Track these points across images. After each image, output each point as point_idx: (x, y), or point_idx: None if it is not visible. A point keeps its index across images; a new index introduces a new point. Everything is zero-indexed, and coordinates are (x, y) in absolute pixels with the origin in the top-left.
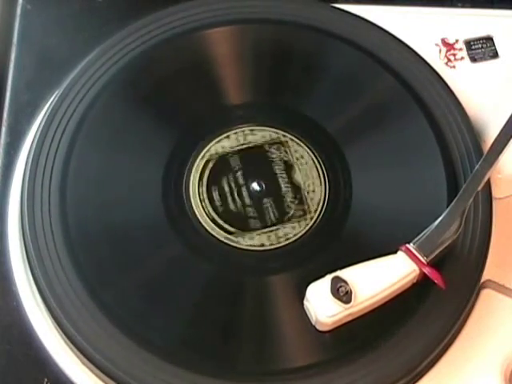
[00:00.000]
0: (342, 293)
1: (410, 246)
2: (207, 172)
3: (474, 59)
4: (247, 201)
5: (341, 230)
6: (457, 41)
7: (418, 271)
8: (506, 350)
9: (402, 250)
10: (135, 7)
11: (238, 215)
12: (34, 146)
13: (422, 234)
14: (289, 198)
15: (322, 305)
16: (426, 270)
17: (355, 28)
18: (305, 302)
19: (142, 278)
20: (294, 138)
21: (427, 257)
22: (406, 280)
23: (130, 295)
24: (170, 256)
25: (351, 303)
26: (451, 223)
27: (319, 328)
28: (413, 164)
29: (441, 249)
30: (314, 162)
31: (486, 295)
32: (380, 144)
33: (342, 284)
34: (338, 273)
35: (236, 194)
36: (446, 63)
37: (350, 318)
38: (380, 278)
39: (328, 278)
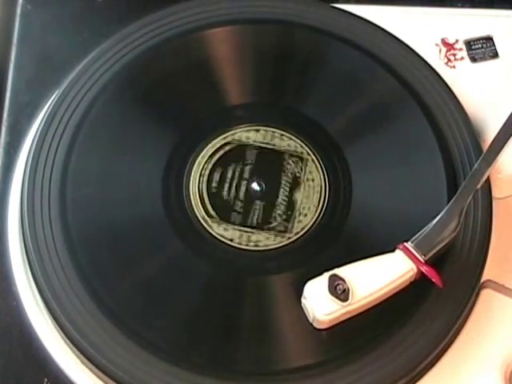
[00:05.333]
0: (339, 291)
1: (408, 245)
2: (221, 152)
3: (474, 59)
4: (241, 195)
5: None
6: (457, 41)
7: (415, 270)
8: (505, 350)
9: (399, 248)
10: (135, 7)
11: (226, 203)
12: (34, 146)
13: (420, 232)
14: (279, 210)
15: (319, 302)
16: (424, 269)
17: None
18: (302, 300)
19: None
20: (315, 158)
21: (425, 255)
22: (403, 278)
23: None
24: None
25: (348, 301)
26: (449, 222)
27: (316, 326)
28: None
29: (439, 247)
30: (321, 189)
31: (486, 295)
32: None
33: (340, 282)
34: (336, 271)
35: (234, 184)
36: (446, 63)
37: (348, 316)
38: (378, 276)
39: (326, 275)
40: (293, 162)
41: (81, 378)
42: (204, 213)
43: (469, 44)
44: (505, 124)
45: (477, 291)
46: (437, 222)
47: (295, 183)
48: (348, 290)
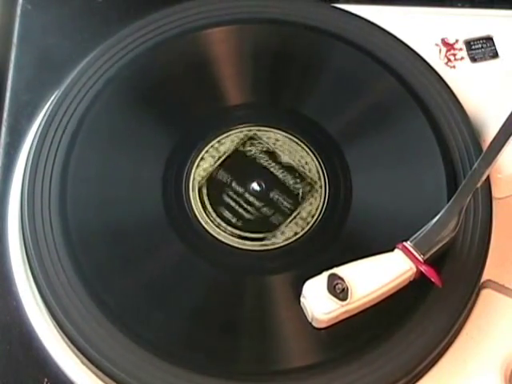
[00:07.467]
0: (338, 290)
1: (407, 244)
2: (206, 199)
3: (474, 59)
4: (257, 204)
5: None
6: (457, 41)
7: (414, 269)
8: (505, 349)
9: (398, 247)
10: (135, 7)
11: (258, 220)
12: (34, 146)
13: (420, 231)
14: (291, 180)
15: (318, 301)
16: (423, 268)
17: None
18: (301, 299)
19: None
20: (260, 128)
21: (424, 255)
22: (402, 278)
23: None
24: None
25: (347, 300)
26: (449, 221)
27: (315, 325)
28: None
29: (438, 247)
30: (291, 139)
31: (486, 295)
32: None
33: (339, 281)
34: (335, 270)
35: (244, 204)
36: (446, 63)
37: (347, 315)
38: (377, 275)
39: (325, 274)
40: (249, 145)
41: (81, 378)
42: (256, 241)
43: (469, 44)
44: (504, 124)
45: (477, 291)
46: (436, 222)
47: (272, 155)
48: (347, 289)
